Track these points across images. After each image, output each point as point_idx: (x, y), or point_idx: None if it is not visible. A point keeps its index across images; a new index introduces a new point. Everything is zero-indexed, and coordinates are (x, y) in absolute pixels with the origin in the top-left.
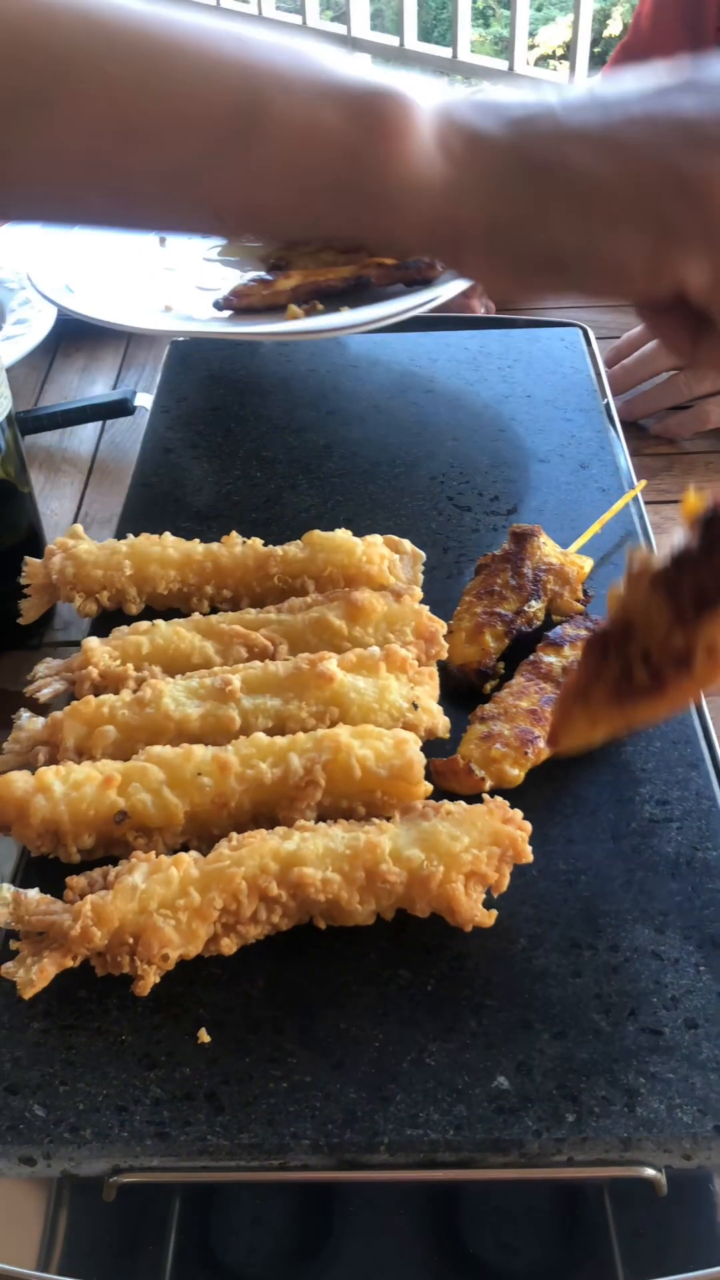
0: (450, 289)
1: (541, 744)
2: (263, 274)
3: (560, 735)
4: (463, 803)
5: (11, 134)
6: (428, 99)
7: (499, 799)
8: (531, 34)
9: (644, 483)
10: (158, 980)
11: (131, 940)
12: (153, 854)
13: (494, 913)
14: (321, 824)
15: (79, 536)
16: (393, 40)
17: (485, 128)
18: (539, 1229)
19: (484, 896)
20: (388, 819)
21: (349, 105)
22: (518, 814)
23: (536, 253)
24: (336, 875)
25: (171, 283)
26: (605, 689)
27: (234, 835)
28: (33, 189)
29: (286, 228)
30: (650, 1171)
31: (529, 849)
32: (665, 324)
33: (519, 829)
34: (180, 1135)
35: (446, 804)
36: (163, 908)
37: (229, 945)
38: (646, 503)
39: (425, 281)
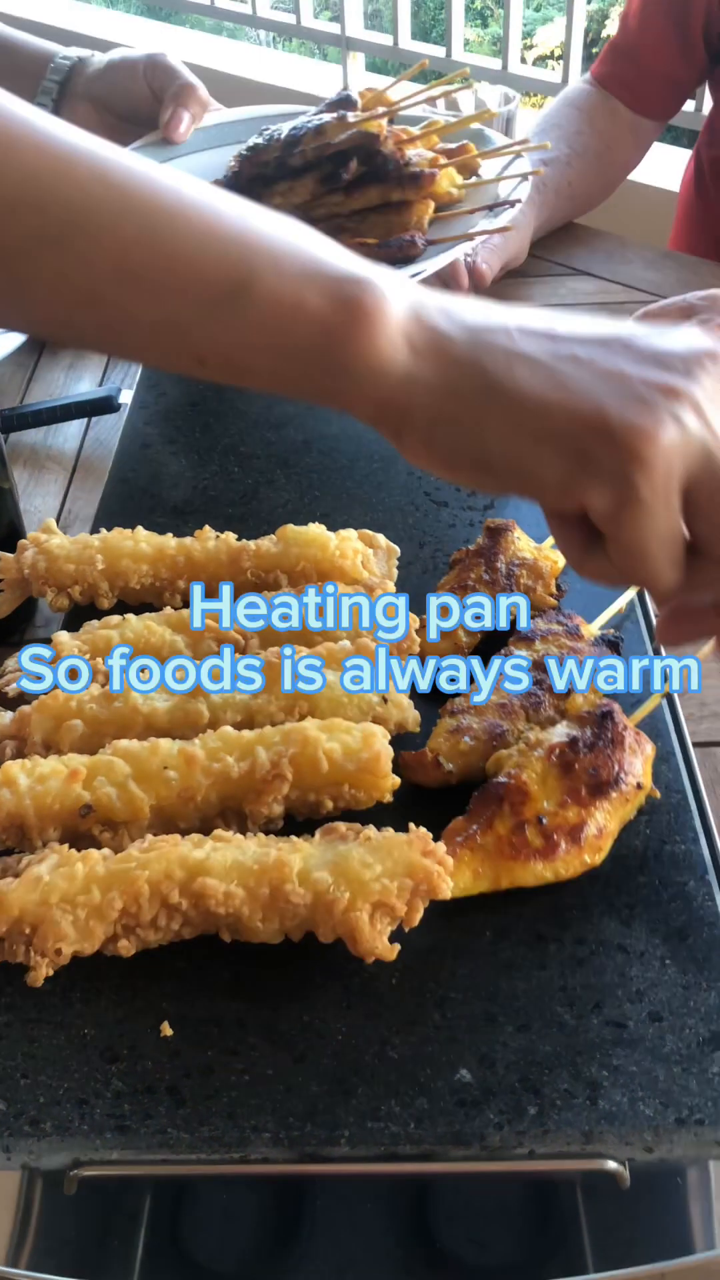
0: (435, 263)
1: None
2: None
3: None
4: (389, 830)
5: (27, 268)
6: (402, 294)
7: (423, 830)
8: (530, 34)
9: None
10: (50, 974)
11: (29, 931)
12: (65, 846)
13: (396, 946)
14: (238, 836)
15: (52, 531)
16: (386, 39)
17: (447, 330)
18: (509, 1224)
19: (393, 927)
20: (353, 815)
21: (331, 289)
22: (440, 848)
23: (469, 451)
24: (240, 890)
25: None
26: (497, 841)
27: (148, 837)
28: (36, 315)
29: (260, 383)
30: (612, 1164)
31: (446, 885)
32: (565, 531)
33: (437, 863)
34: (141, 1128)
35: (369, 830)
36: (63, 902)
37: (127, 948)
38: None
39: (408, 259)
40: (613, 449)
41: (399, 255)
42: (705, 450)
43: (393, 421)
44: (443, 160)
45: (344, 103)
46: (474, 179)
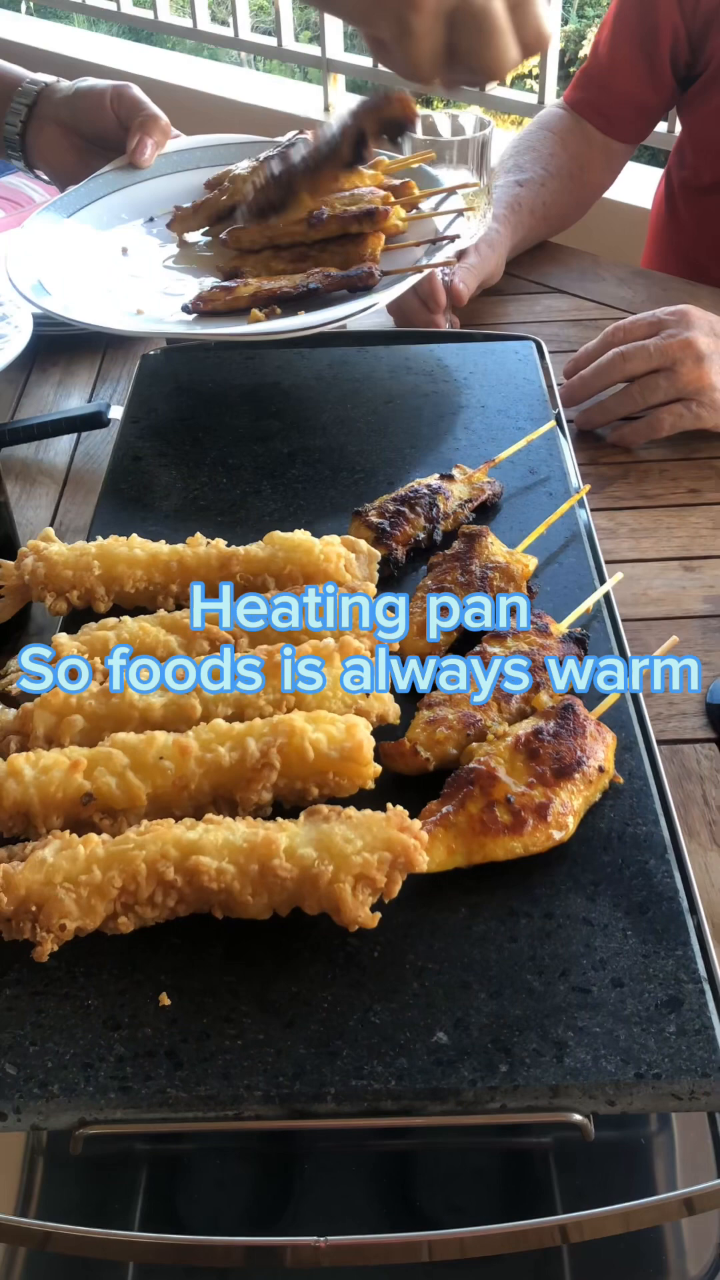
0: (388, 295)
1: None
2: (222, 282)
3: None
4: (369, 810)
5: None
6: None
7: (400, 808)
8: None
9: (588, 487)
10: (55, 949)
11: (35, 909)
12: (67, 832)
13: (377, 915)
14: (228, 819)
15: (50, 539)
16: (366, 61)
17: None
18: (486, 1190)
19: (374, 899)
20: (337, 802)
21: None
22: (415, 824)
23: None
24: (231, 866)
25: (138, 289)
26: (469, 820)
27: (145, 822)
28: None
29: None
30: (577, 1117)
31: (422, 858)
32: (373, 44)
33: (413, 838)
34: (142, 1089)
35: (349, 809)
36: (66, 882)
37: (126, 924)
38: (600, 509)
39: (367, 288)
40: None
41: (358, 284)
42: None
43: None
44: (392, 199)
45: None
46: (415, 212)
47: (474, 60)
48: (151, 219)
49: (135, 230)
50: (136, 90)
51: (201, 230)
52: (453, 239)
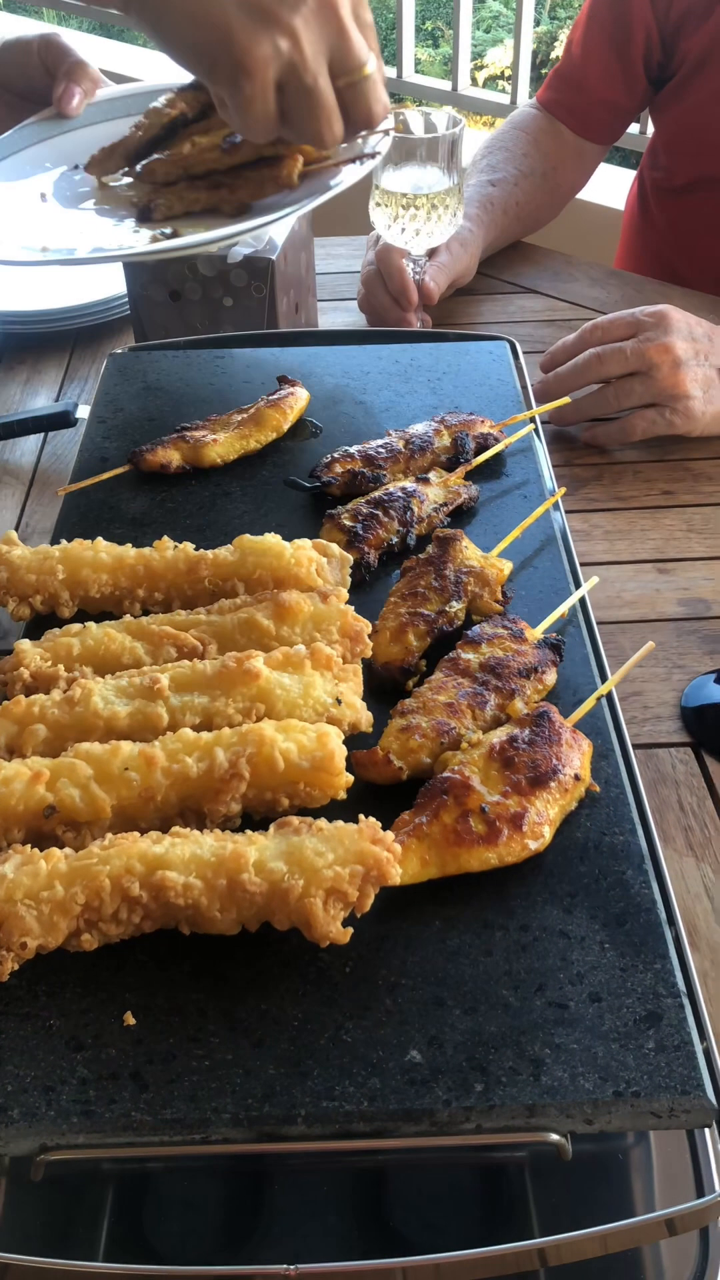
0: (300, 209)
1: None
2: (138, 217)
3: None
4: (340, 822)
5: None
6: None
7: (372, 820)
8: (480, 55)
9: (563, 490)
10: (15, 968)
11: None
12: (28, 846)
13: (349, 930)
14: (195, 832)
15: (12, 542)
16: None
17: None
18: (462, 1208)
19: (346, 914)
20: (308, 813)
21: None
22: (388, 836)
23: (158, 33)
24: (198, 881)
25: (51, 230)
26: (442, 830)
27: (109, 835)
28: None
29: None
30: (555, 1137)
31: (395, 871)
32: (219, 101)
33: (386, 850)
34: (106, 1113)
35: (320, 821)
36: (27, 898)
37: (89, 941)
38: (576, 511)
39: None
40: (230, 60)
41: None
42: (292, 63)
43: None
44: None
45: None
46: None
47: (301, 129)
48: (76, 166)
49: (59, 178)
50: (63, 39)
51: (122, 171)
52: (374, 156)
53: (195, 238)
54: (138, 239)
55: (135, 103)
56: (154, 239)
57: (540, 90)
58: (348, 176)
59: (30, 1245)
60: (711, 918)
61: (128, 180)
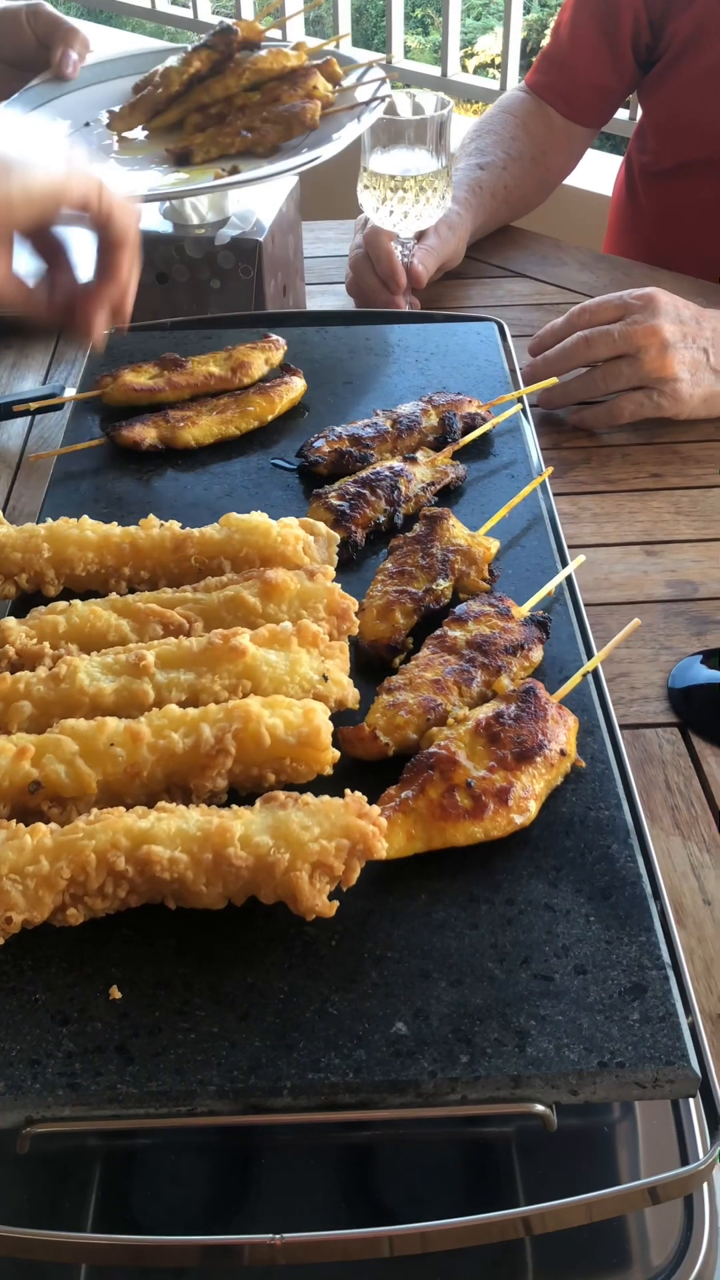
0: (335, 147)
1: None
2: (173, 163)
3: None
4: (326, 796)
5: None
6: None
7: (358, 794)
8: (471, 42)
9: (550, 469)
10: (1, 941)
11: None
12: (13, 821)
13: (335, 904)
14: (181, 807)
15: None
16: (328, 44)
17: None
18: (449, 1182)
19: (331, 887)
20: (294, 789)
21: None
22: (374, 810)
23: None
24: (184, 856)
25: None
26: (428, 805)
27: (94, 810)
28: None
29: None
30: (540, 1108)
31: (381, 844)
32: None
33: (372, 824)
34: (91, 1085)
35: (306, 796)
36: (12, 873)
37: (75, 916)
38: (564, 494)
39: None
40: None
41: (298, 123)
42: None
43: None
44: (309, 60)
45: (225, 33)
46: (338, 88)
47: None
48: (88, 124)
49: (72, 135)
50: (50, 7)
51: (140, 126)
52: (382, 99)
53: (260, 171)
54: (181, 181)
55: (127, 64)
56: (217, 175)
57: (529, 73)
58: (365, 120)
59: (18, 1221)
60: (698, 895)
61: (145, 134)
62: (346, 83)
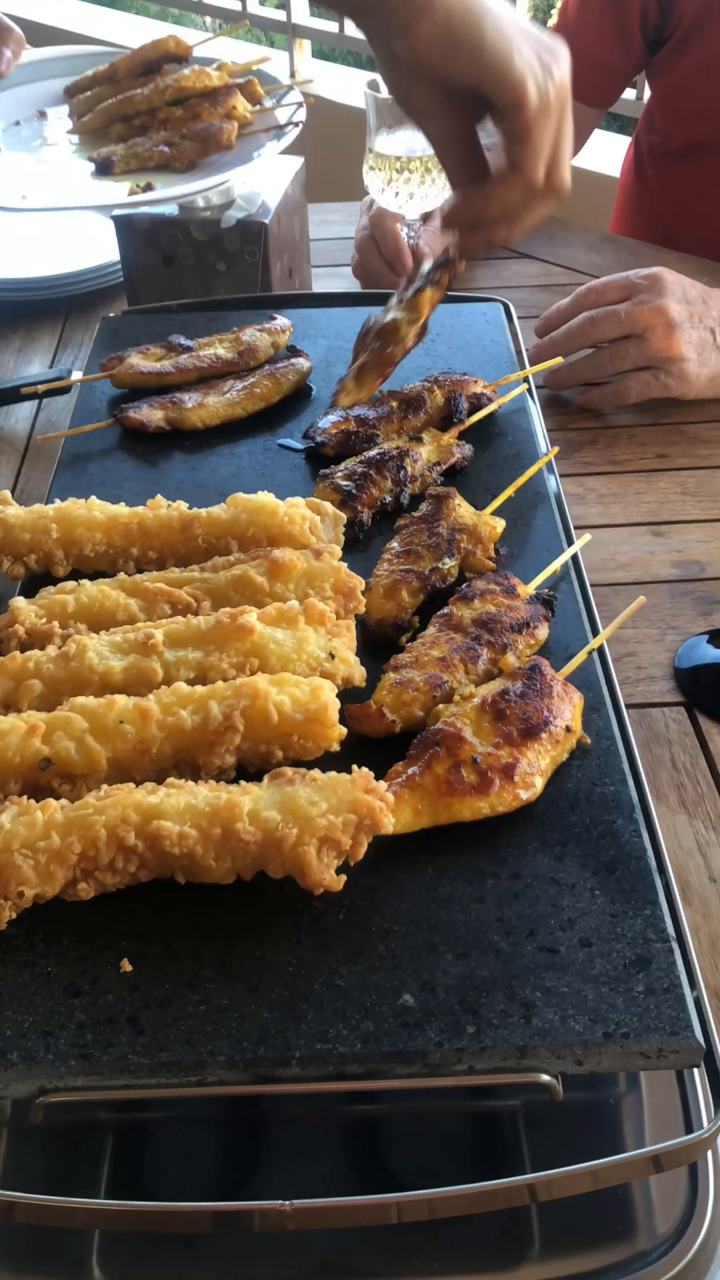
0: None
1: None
2: (97, 169)
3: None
4: (334, 772)
5: None
6: None
7: (365, 770)
8: None
9: (555, 449)
10: (13, 916)
11: None
12: (25, 798)
13: (343, 878)
14: (190, 783)
15: (7, 502)
16: (332, 26)
17: None
18: (456, 1154)
19: (339, 862)
20: (302, 765)
21: None
22: (381, 786)
23: (469, 39)
24: (193, 831)
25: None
26: (435, 781)
27: (104, 787)
28: None
29: None
30: (545, 1077)
31: (387, 820)
32: (456, 152)
33: (379, 800)
34: (103, 1056)
35: (314, 772)
36: (24, 848)
37: (86, 890)
38: (571, 475)
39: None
40: (549, 56)
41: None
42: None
43: (416, 9)
44: (231, 80)
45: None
46: (259, 108)
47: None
48: (17, 123)
49: (5, 132)
50: None
51: (67, 130)
52: (297, 124)
53: (171, 190)
54: (113, 191)
55: (63, 65)
56: (132, 191)
57: None
58: (277, 145)
59: (34, 1191)
60: (704, 872)
61: (76, 137)
62: (269, 103)
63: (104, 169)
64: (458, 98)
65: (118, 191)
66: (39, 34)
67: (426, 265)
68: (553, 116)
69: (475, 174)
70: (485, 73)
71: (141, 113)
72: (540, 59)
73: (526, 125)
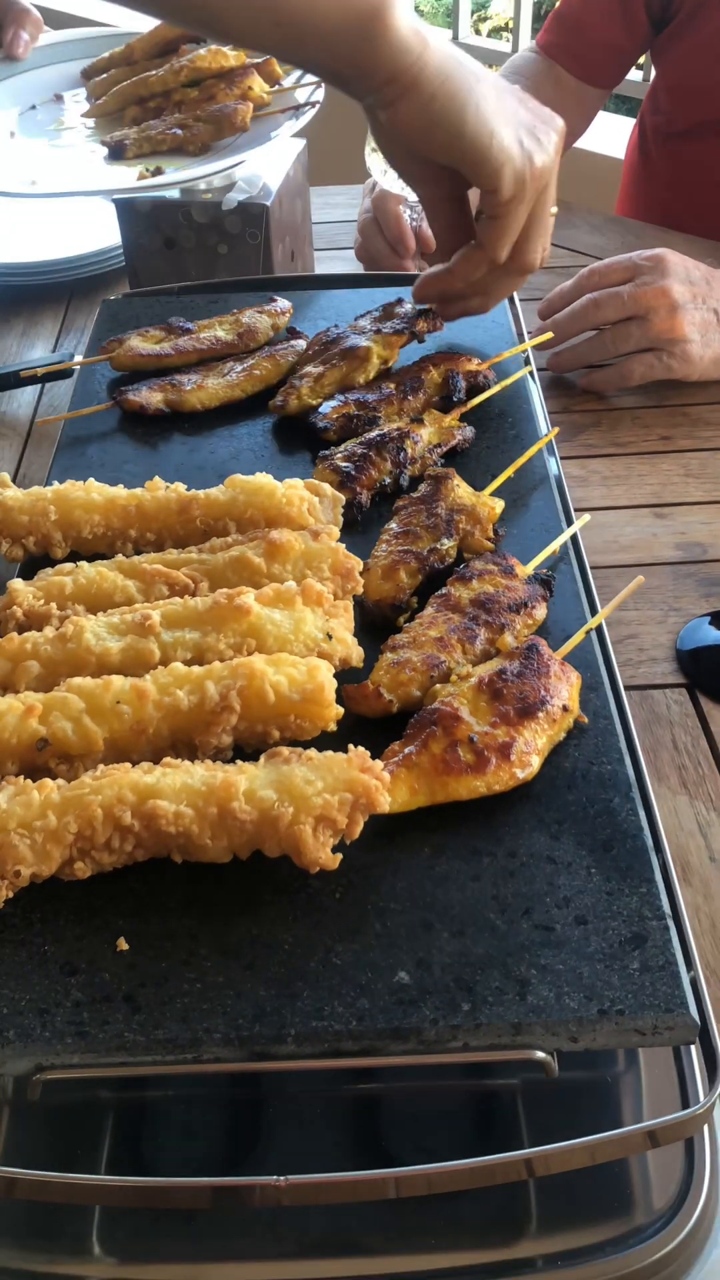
0: (264, 148)
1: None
2: (108, 153)
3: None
4: (330, 751)
5: None
6: (406, 5)
7: (361, 749)
8: (484, 5)
9: (555, 430)
10: (9, 895)
11: None
12: (21, 778)
13: (339, 856)
14: (186, 762)
15: (5, 484)
16: None
17: (432, 37)
18: (454, 1132)
19: (335, 841)
20: (299, 745)
21: None
22: (377, 765)
23: (450, 122)
24: (190, 810)
25: (29, 165)
26: (431, 760)
27: (100, 766)
28: None
29: (314, 48)
30: (540, 1054)
31: (384, 799)
32: (443, 214)
33: (375, 779)
34: (99, 1034)
35: (310, 751)
36: (20, 828)
37: (83, 869)
38: (573, 457)
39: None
40: (536, 139)
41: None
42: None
43: (399, 89)
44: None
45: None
46: (277, 88)
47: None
48: (34, 107)
49: (21, 117)
50: None
51: (82, 113)
52: (313, 105)
53: (178, 175)
54: (123, 176)
55: (80, 47)
56: (141, 175)
57: (539, 34)
58: (294, 125)
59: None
60: (704, 853)
61: (92, 121)
62: (287, 83)
63: (116, 153)
64: (443, 166)
65: (128, 176)
66: (57, 20)
67: (409, 308)
68: (526, 201)
69: (462, 234)
70: (463, 158)
71: (156, 94)
72: (523, 144)
73: (496, 209)
